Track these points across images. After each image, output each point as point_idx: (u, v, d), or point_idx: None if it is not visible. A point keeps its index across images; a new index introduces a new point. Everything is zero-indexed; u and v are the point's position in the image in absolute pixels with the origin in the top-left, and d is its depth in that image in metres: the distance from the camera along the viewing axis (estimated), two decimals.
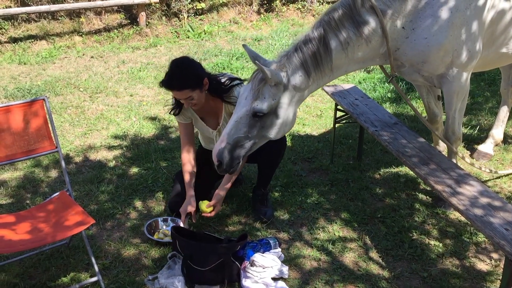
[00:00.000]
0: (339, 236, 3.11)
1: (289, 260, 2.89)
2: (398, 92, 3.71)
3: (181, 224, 3.12)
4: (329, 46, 2.64)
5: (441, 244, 3.02)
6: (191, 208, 3.04)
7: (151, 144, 4.37)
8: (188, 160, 3.18)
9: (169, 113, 3.15)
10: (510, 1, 2.92)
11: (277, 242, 2.95)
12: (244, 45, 2.77)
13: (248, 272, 2.72)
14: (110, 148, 4.33)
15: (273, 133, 2.70)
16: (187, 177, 3.14)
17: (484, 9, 2.82)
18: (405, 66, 2.94)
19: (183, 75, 2.82)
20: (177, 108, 3.08)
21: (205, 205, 3.06)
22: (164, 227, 3.15)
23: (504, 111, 4.07)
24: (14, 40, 7.14)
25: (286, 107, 2.65)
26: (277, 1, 8.77)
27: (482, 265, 2.85)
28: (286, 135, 3.23)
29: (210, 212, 3.06)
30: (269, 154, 3.15)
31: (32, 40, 7.22)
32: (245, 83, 2.82)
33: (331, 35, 2.64)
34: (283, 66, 2.61)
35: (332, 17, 2.66)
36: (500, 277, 2.39)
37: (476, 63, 2.97)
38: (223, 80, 3.02)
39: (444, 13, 2.69)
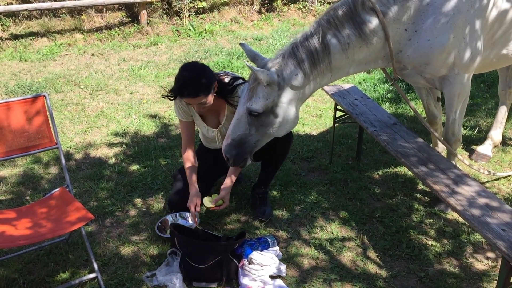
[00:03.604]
0: (337, 235, 3.12)
1: (287, 258, 2.90)
2: (400, 94, 3.72)
3: (189, 220, 3.14)
4: (328, 46, 2.64)
5: (438, 244, 3.03)
6: (197, 201, 3.05)
7: (151, 142, 4.39)
8: (188, 158, 3.19)
9: (162, 97, 3.05)
10: (511, 2, 2.93)
11: (275, 241, 2.96)
12: (241, 44, 2.77)
13: (246, 270, 2.73)
14: (110, 145, 4.34)
15: (273, 131, 2.71)
16: (189, 175, 3.15)
17: (486, 10, 2.83)
18: (407, 68, 2.94)
19: (197, 83, 2.78)
20: (172, 97, 3.01)
21: (209, 200, 3.07)
22: None
23: (502, 113, 4.08)
24: (15, 37, 7.16)
25: (285, 106, 2.65)
26: (278, 1, 8.78)
27: (479, 265, 2.86)
28: (291, 135, 3.23)
29: (219, 206, 3.07)
30: (273, 153, 3.16)
31: (33, 37, 7.24)
32: None
33: (331, 35, 2.64)
34: (279, 65, 2.61)
35: (332, 17, 2.66)
36: (497, 277, 2.41)
37: (477, 65, 2.98)
38: (226, 80, 3.03)
39: (446, 15, 2.69)
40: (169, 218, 3.16)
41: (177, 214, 3.19)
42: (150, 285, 2.66)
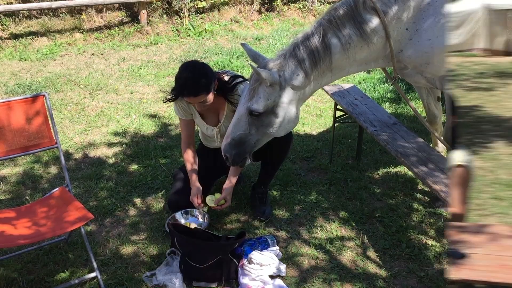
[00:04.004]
0: (337, 235, 3.12)
1: (287, 258, 2.90)
2: (400, 94, 3.71)
3: (199, 218, 3.13)
4: (329, 46, 2.64)
5: (438, 244, 3.03)
6: (199, 196, 3.05)
7: (150, 141, 4.39)
8: (188, 159, 3.19)
9: (163, 102, 3.08)
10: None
11: (275, 240, 2.96)
12: (242, 44, 2.77)
13: (246, 270, 2.73)
14: (109, 145, 4.34)
15: (273, 131, 2.71)
16: (190, 175, 3.15)
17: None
18: (408, 68, 2.94)
19: (197, 82, 2.78)
20: (173, 99, 3.03)
21: (211, 200, 3.07)
22: (183, 220, 3.12)
23: None
24: (15, 37, 7.15)
25: (285, 106, 2.65)
26: (278, 1, 8.79)
27: None
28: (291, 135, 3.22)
29: (221, 205, 3.07)
30: (273, 152, 3.16)
31: (33, 36, 7.24)
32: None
33: (331, 35, 2.64)
34: (280, 65, 2.61)
35: (333, 17, 2.65)
36: None
37: None
38: (226, 78, 3.03)
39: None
40: (178, 216, 3.14)
41: (188, 211, 3.18)
42: (149, 284, 2.66)
